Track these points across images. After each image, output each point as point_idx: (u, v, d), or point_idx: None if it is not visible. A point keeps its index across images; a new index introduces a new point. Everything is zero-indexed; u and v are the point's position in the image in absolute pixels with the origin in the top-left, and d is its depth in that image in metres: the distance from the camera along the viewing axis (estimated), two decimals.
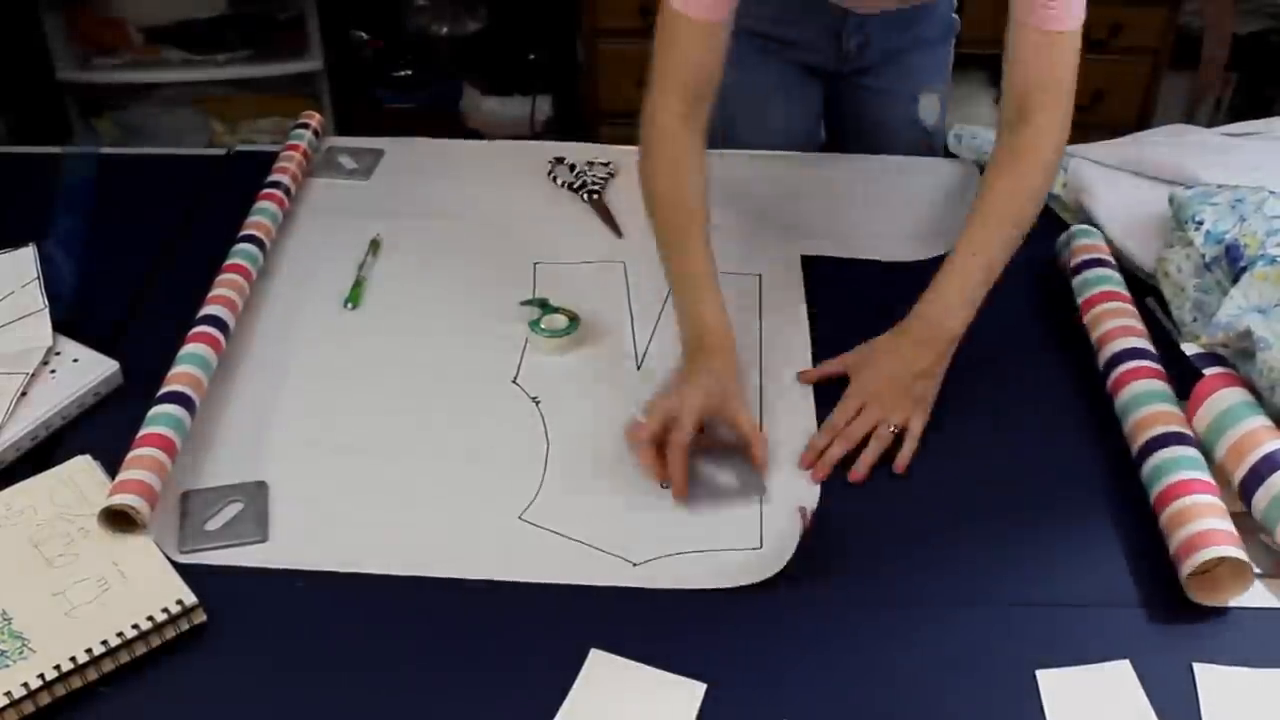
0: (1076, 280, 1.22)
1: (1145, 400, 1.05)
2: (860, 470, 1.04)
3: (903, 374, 1.07)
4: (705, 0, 1.11)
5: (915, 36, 1.50)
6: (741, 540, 0.99)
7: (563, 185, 1.44)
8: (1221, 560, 0.91)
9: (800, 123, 1.57)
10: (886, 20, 1.46)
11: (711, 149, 1.18)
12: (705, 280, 1.11)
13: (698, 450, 1.02)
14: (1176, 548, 0.93)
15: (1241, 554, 0.91)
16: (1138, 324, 1.14)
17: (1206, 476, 0.97)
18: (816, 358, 1.18)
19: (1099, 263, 1.22)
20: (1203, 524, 0.93)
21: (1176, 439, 1.00)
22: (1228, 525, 0.93)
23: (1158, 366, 1.08)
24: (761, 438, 1.04)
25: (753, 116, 1.49)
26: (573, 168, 1.47)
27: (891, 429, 1.05)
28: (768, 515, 1.01)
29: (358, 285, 1.27)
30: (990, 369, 1.16)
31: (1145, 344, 1.11)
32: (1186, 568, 0.91)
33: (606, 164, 1.47)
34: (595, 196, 1.41)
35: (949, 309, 1.09)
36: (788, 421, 1.10)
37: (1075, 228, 1.26)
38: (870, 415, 1.06)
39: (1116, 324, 1.14)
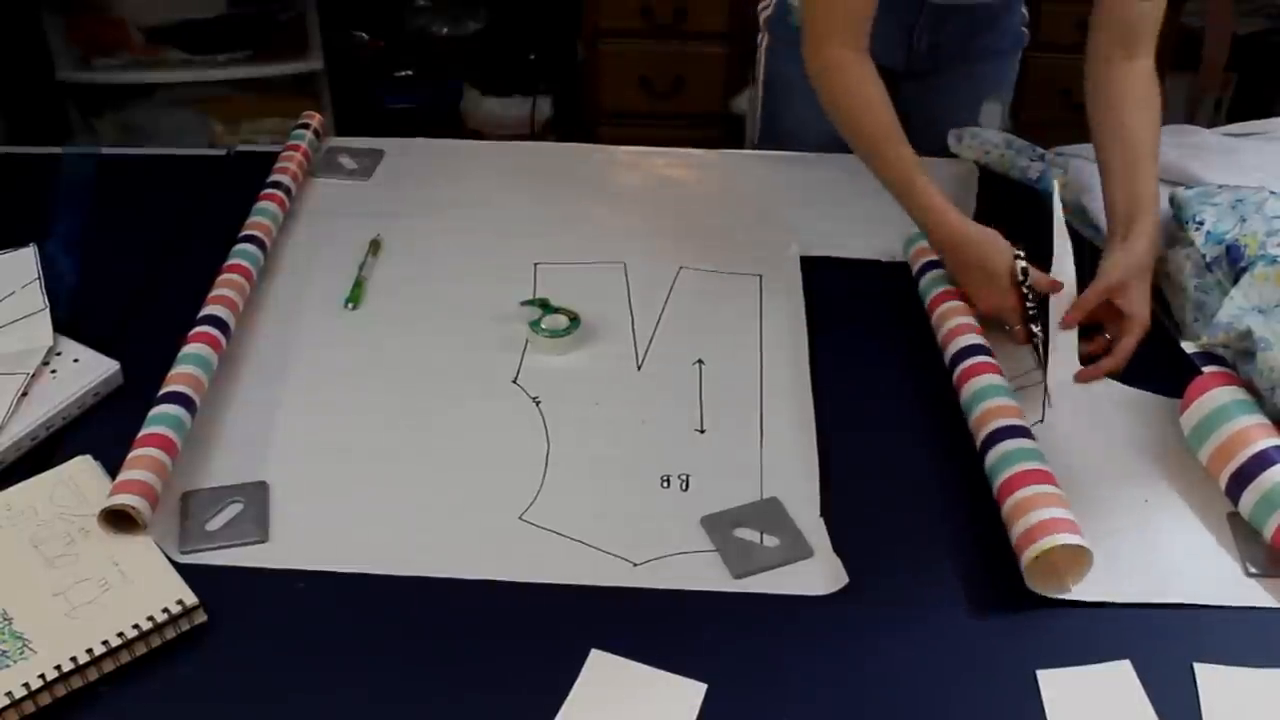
0: (923, 281, 1.25)
1: (986, 395, 1.06)
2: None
3: (1149, 306, 1.17)
4: None
5: (984, 45, 1.52)
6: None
7: None
8: (1058, 548, 0.91)
9: None
10: (957, 23, 1.47)
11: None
12: (915, 179, 1.19)
13: (740, 520, 1.00)
14: (1017, 539, 0.93)
15: (1076, 539, 0.91)
16: (975, 321, 1.17)
17: (1043, 466, 0.98)
18: (816, 358, 1.18)
19: (937, 264, 1.24)
20: (1040, 514, 0.93)
21: (1014, 432, 1.01)
22: (1061, 513, 0.93)
23: (994, 361, 1.11)
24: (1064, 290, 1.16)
25: (810, 112, 1.49)
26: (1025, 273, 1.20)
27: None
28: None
29: (358, 285, 1.27)
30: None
31: (981, 340, 1.14)
32: (1026, 558, 0.91)
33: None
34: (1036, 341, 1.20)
35: (1154, 238, 1.18)
36: (787, 421, 1.10)
37: (912, 233, 1.27)
38: (1141, 328, 1.14)
39: (959, 322, 1.17)
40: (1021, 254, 1.16)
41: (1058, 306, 1.17)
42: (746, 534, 0.98)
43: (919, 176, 1.19)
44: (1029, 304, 1.15)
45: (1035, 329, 1.15)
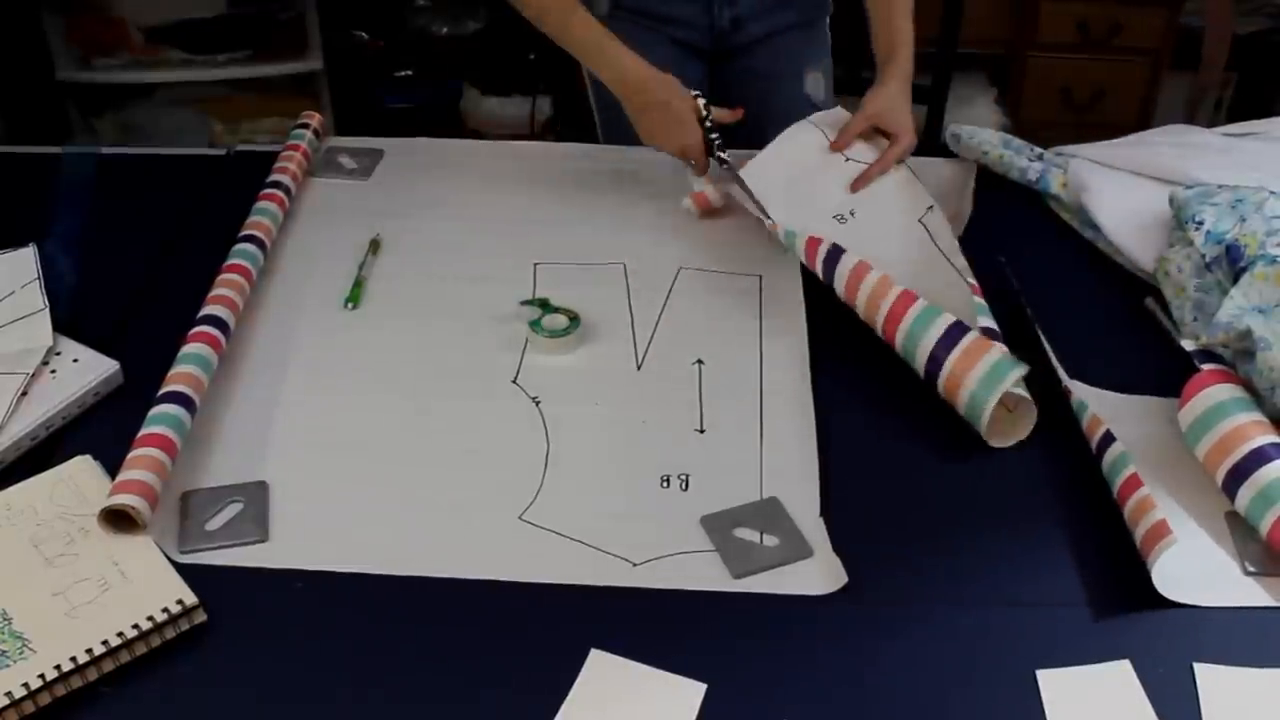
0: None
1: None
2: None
3: (911, 121, 1.37)
4: None
5: (789, 18, 1.56)
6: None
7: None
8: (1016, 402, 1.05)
9: None
10: None
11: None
12: (605, 38, 1.32)
13: (740, 520, 1.00)
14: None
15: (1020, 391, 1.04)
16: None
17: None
18: (816, 359, 1.18)
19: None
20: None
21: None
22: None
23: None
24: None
25: None
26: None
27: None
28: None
29: (358, 285, 1.27)
30: None
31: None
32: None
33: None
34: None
35: (909, 62, 1.38)
36: (786, 422, 1.10)
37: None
38: (908, 138, 1.35)
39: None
40: (699, 94, 1.32)
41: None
42: (746, 534, 0.98)
43: (606, 34, 1.32)
44: (714, 137, 1.33)
45: (723, 156, 1.33)
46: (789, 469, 1.05)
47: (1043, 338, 1.16)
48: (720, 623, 0.92)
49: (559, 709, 0.84)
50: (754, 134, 1.53)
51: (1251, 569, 0.95)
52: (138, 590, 0.90)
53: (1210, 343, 1.10)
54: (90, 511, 0.95)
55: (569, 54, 1.36)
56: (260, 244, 1.28)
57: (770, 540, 0.98)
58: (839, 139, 1.35)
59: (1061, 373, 1.12)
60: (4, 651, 0.85)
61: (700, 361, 1.18)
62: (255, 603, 0.92)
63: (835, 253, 1.18)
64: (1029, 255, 1.31)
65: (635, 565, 0.96)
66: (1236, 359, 1.08)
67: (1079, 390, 1.10)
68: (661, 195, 1.45)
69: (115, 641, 0.85)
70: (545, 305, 1.22)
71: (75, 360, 1.12)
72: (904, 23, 1.37)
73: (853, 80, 1.93)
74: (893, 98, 1.35)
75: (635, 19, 1.51)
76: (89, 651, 0.84)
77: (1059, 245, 1.37)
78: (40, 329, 1.14)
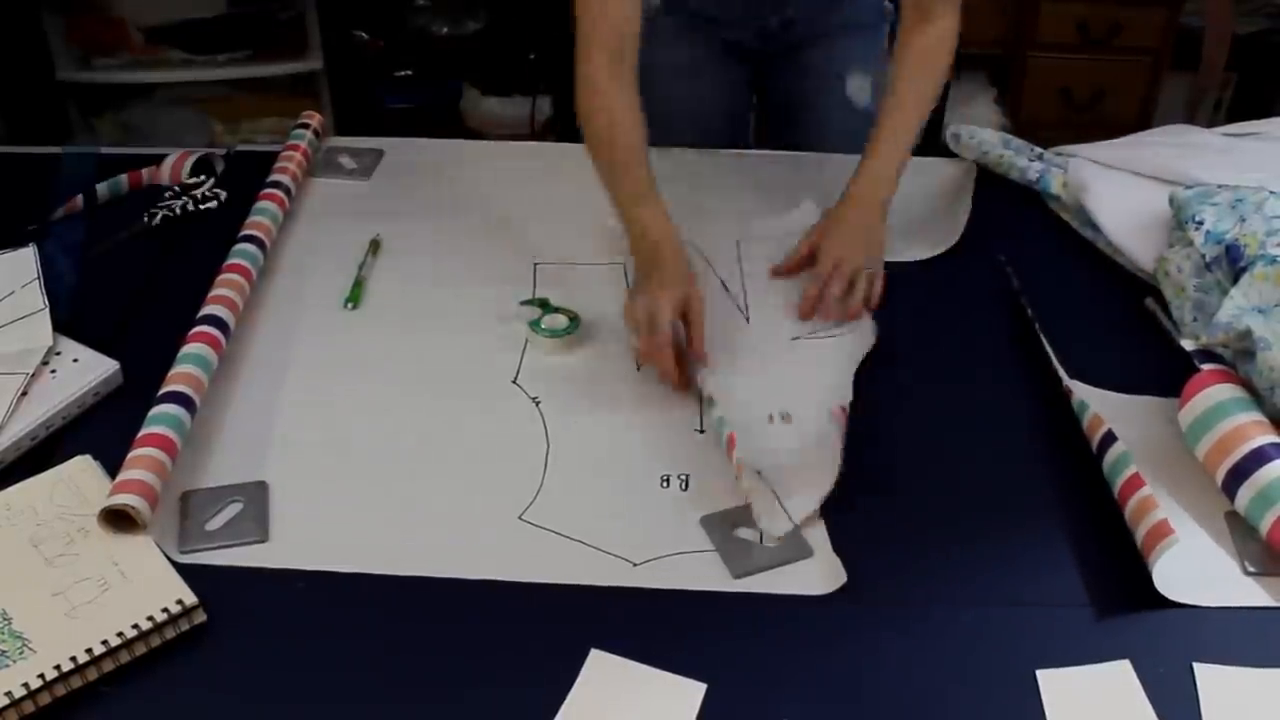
0: None
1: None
2: (857, 304, 1.22)
3: (860, 234, 1.26)
4: None
5: (842, 20, 1.53)
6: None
7: None
8: None
9: (723, 103, 1.59)
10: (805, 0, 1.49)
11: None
12: (649, 196, 1.21)
13: (740, 520, 0.99)
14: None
15: None
16: None
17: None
18: None
19: None
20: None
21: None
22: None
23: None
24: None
25: (679, 94, 1.51)
26: None
27: (866, 270, 1.23)
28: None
29: (358, 285, 1.27)
30: (986, 371, 1.16)
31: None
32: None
33: None
34: None
35: (881, 182, 1.28)
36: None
37: None
38: (847, 265, 1.23)
39: None
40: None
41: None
42: (746, 534, 0.98)
43: (655, 196, 1.21)
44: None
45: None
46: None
47: (1043, 338, 1.16)
48: (720, 623, 0.92)
49: (559, 709, 0.84)
50: (797, 134, 1.53)
51: (1251, 569, 0.95)
52: (138, 590, 0.90)
53: (1210, 343, 1.10)
54: (90, 511, 0.95)
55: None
56: (260, 244, 1.28)
57: (770, 540, 0.97)
58: (777, 267, 1.29)
59: (1062, 373, 1.12)
60: (4, 651, 0.85)
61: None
62: (255, 603, 0.92)
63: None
64: (1029, 255, 1.31)
65: (635, 565, 0.96)
66: (1236, 359, 1.08)
67: (1080, 390, 1.10)
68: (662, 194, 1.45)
69: (115, 641, 0.85)
70: (545, 305, 1.22)
71: (75, 360, 1.12)
72: (886, 159, 1.27)
73: None
74: (832, 221, 1.27)
75: (684, 18, 1.50)
76: (89, 651, 0.84)
77: (1059, 245, 1.37)
78: (40, 329, 1.14)
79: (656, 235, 1.19)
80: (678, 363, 1.11)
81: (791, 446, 1.06)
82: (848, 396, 1.09)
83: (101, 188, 1.41)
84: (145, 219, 1.36)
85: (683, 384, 1.12)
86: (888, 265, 1.30)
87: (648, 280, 1.16)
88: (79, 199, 1.39)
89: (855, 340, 1.19)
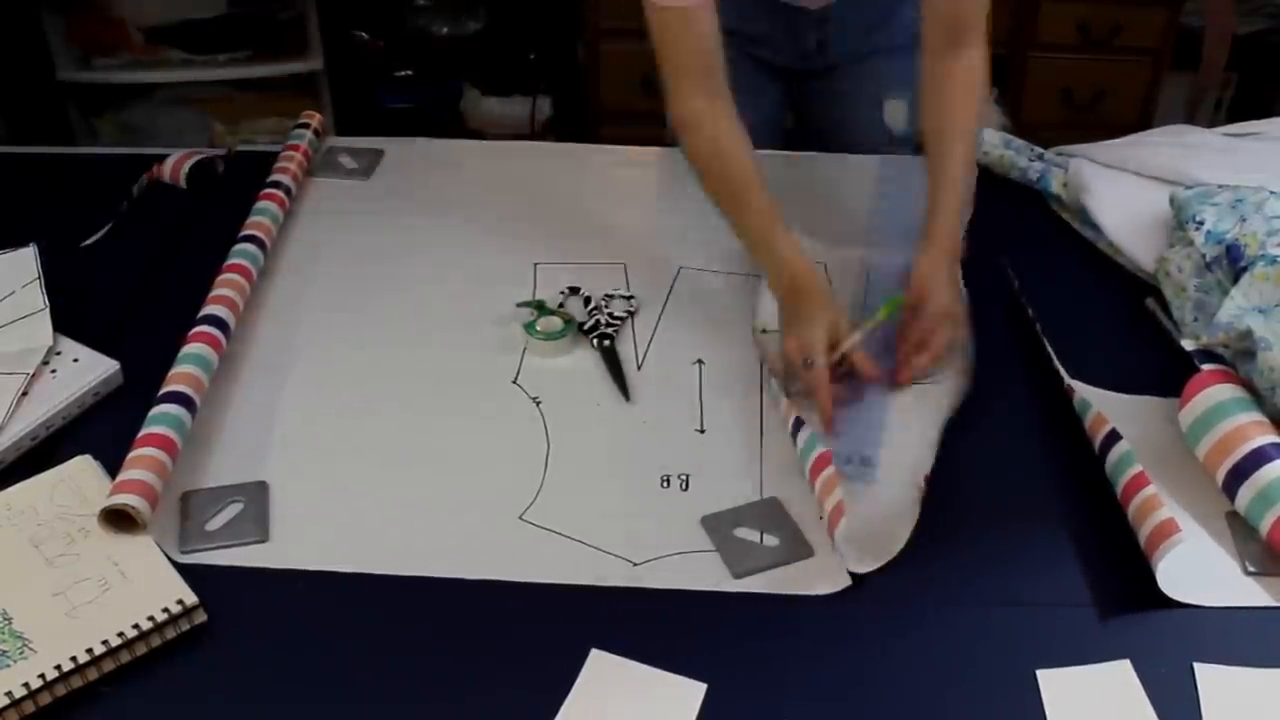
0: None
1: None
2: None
3: (954, 292, 1.16)
4: None
5: (878, 42, 1.51)
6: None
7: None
8: None
9: (759, 123, 1.57)
10: (844, 20, 1.47)
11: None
12: (776, 228, 1.17)
13: (740, 520, 0.99)
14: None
15: None
16: None
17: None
18: None
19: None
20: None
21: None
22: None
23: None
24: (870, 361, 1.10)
25: None
26: (587, 300, 1.25)
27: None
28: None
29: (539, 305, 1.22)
30: (986, 371, 1.16)
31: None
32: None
33: (630, 297, 1.25)
34: (607, 343, 1.19)
35: (955, 229, 1.18)
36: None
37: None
38: (945, 330, 1.13)
39: None
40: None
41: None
42: (746, 534, 0.98)
43: (780, 224, 1.17)
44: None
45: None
46: (789, 469, 1.05)
47: (1043, 338, 1.16)
48: (720, 623, 0.92)
49: (559, 709, 0.84)
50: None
51: (1252, 569, 0.95)
52: (138, 590, 0.90)
53: (1210, 343, 1.10)
54: (90, 512, 0.95)
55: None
56: (260, 244, 1.28)
57: (770, 540, 0.98)
58: (900, 373, 1.13)
59: (1063, 373, 1.12)
60: (4, 651, 0.85)
61: (700, 361, 1.18)
62: (255, 603, 0.92)
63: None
64: (1029, 255, 1.31)
65: (635, 565, 0.96)
66: (1237, 359, 1.08)
67: (1081, 390, 1.10)
68: (662, 195, 1.46)
69: (115, 641, 0.85)
70: (541, 307, 1.22)
71: (75, 360, 1.12)
72: (949, 194, 1.18)
73: None
74: (931, 270, 1.15)
75: (722, 38, 1.47)
76: (89, 651, 0.84)
77: (1059, 245, 1.37)
78: (40, 329, 1.14)
79: (794, 268, 1.14)
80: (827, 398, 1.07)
81: (864, 496, 1.01)
82: (930, 464, 1.03)
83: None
84: (124, 205, 1.36)
85: (830, 425, 1.07)
86: (888, 266, 1.30)
87: (796, 318, 1.11)
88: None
89: (946, 394, 1.12)
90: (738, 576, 0.95)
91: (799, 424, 1.05)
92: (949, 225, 1.17)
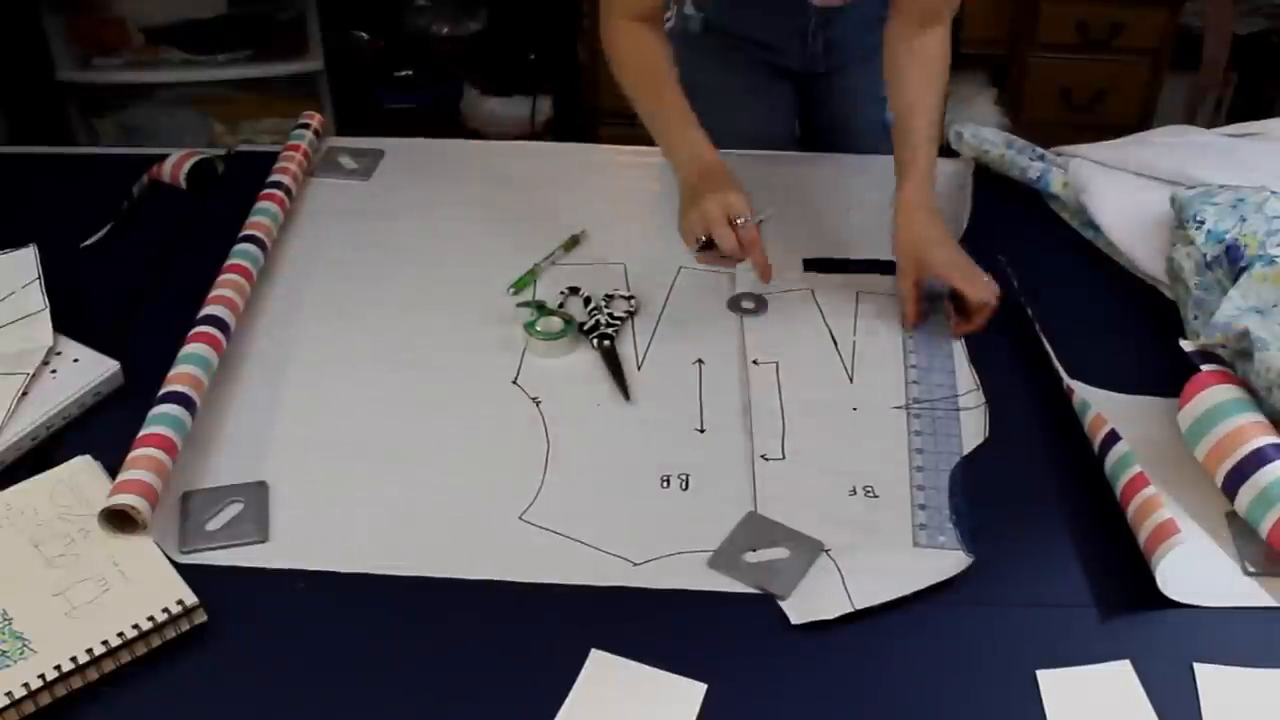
0: None
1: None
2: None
3: (952, 243, 1.23)
4: None
5: (882, 40, 1.50)
6: None
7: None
8: None
9: (770, 125, 1.58)
10: (848, 23, 1.47)
11: None
12: (685, 120, 1.24)
13: (740, 549, 0.97)
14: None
15: None
16: None
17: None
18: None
19: None
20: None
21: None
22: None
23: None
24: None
25: (722, 116, 1.50)
26: (587, 300, 1.25)
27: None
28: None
29: (530, 274, 1.28)
30: (987, 371, 1.16)
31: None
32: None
33: (630, 297, 1.25)
34: (607, 343, 1.19)
35: (929, 174, 1.25)
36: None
37: None
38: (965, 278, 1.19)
39: None
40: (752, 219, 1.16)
41: None
42: (758, 557, 0.97)
43: (692, 119, 1.24)
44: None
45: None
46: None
47: (1043, 338, 1.16)
48: (720, 623, 0.92)
49: (559, 709, 0.84)
50: (840, 152, 1.52)
51: (1251, 569, 0.95)
52: (138, 590, 0.90)
53: (1208, 343, 1.10)
54: (90, 512, 0.95)
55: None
56: (260, 244, 1.28)
57: (780, 551, 0.97)
58: (906, 321, 1.21)
59: (1063, 373, 1.12)
60: (4, 652, 0.85)
61: (700, 361, 1.18)
62: (255, 603, 0.92)
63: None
64: (1029, 255, 1.31)
65: (635, 565, 0.96)
66: (1235, 359, 1.08)
67: (1081, 390, 1.10)
68: (662, 195, 1.45)
69: (115, 641, 0.85)
70: (541, 307, 1.22)
71: (75, 360, 1.12)
72: (916, 163, 1.24)
73: None
74: (918, 244, 1.20)
75: (728, 40, 1.49)
76: (89, 651, 0.85)
77: (1059, 245, 1.37)
78: (40, 329, 1.14)
79: (705, 157, 1.21)
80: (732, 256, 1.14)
81: (869, 527, 1.00)
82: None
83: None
84: (124, 205, 1.36)
85: (768, 271, 1.16)
86: (887, 264, 1.30)
87: (709, 189, 1.16)
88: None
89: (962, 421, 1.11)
90: (784, 597, 0.92)
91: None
92: (923, 168, 1.23)
